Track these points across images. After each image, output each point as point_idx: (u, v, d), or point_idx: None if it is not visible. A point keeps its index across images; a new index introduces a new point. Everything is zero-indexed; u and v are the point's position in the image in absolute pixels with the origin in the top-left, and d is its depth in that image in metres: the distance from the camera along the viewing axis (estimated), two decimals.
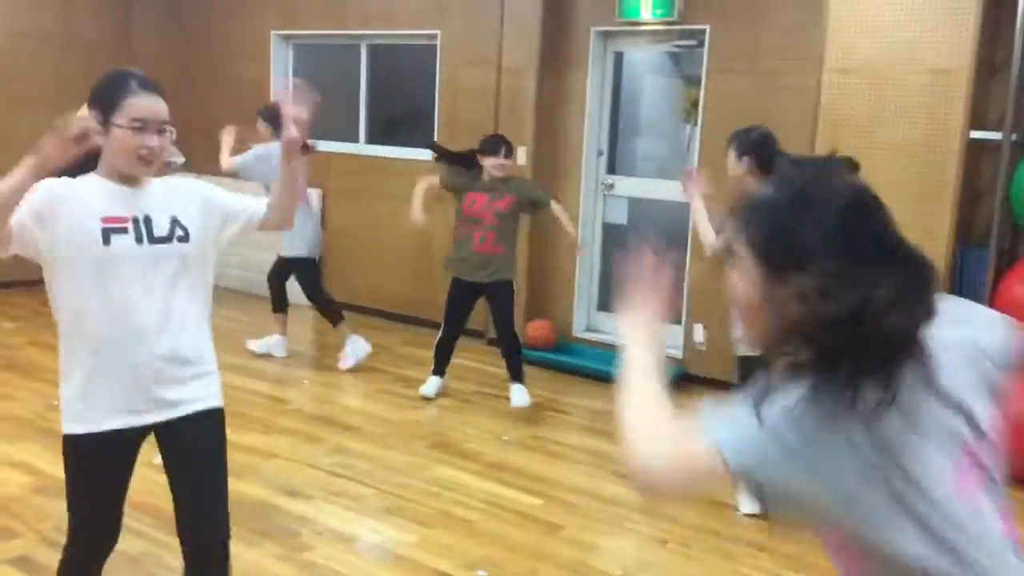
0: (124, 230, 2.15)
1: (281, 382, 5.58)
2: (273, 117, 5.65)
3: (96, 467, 2.26)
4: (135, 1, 7.96)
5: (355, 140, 7.32)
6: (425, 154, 6.80)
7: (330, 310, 5.84)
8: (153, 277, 2.18)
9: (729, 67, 5.44)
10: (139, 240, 2.17)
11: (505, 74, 6.25)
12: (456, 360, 5.35)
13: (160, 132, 2.17)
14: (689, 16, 5.55)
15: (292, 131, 2.32)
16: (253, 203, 2.44)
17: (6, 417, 4.63)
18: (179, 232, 2.23)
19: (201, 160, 5.79)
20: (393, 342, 6.42)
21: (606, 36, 6.05)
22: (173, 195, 2.28)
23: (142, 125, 2.13)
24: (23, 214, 2.02)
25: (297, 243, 5.63)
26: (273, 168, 5.49)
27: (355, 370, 5.72)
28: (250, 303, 6.91)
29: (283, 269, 5.86)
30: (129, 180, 2.20)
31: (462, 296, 5.11)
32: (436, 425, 4.90)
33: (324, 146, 6.95)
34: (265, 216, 2.44)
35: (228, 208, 2.38)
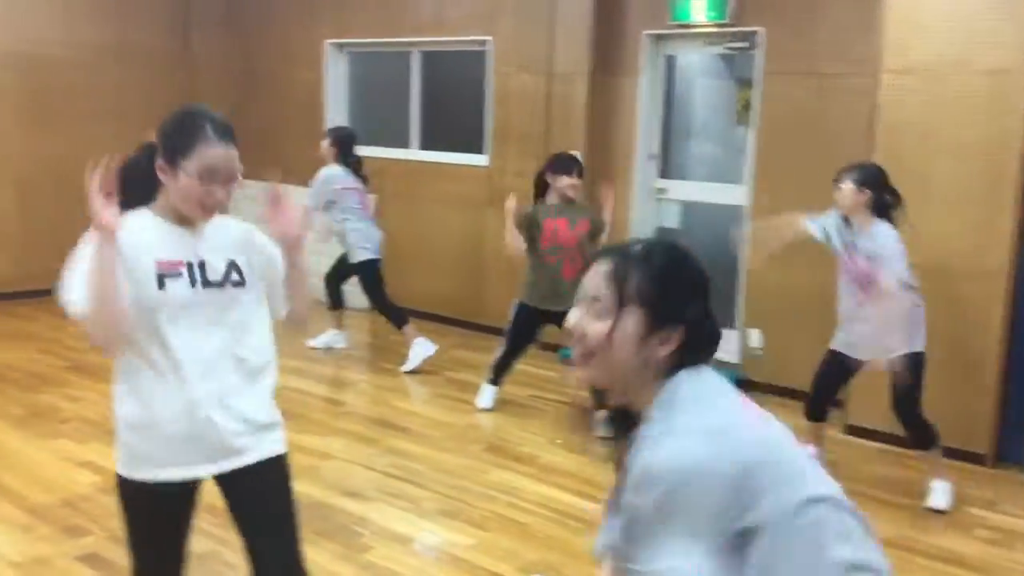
0: (179, 274, 2.09)
1: (338, 384, 5.66)
2: (341, 140, 5.87)
3: (152, 515, 2.22)
4: (193, 11, 8.13)
5: (407, 146, 7.40)
6: (476, 159, 6.88)
7: (393, 313, 5.96)
8: (207, 321, 2.12)
9: (784, 69, 5.40)
10: (193, 284, 2.10)
11: (556, 79, 6.27)
12: None
13: (227, 183, 2.09)
14: (742, 18, 5.53)
15: (289, 241, 2.21)
16: (278, 302, 2.31)
17: (74, 418, 4.76)
18: (234, 277, 2.17)
19: (253, 166, 5.92)
20: (445, 345, 6.46)
21: (658, 39, 6.04)
22: (228, 238, 2.20)
23: (211, 176, 2.05)
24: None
25: (363, 246, 5.88)
26: (332, 191, 5.74)
27: (414, 373, 5.80)
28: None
29: (342, 270, 6.11)
30: (186, 221, 2.13)
31: (534, 324, 5.08)
32: (490, 429, 4.93)
33: (377, 152, 7.06)
34: (283, 319, 2.34)
35: (269, 284, 2.28)
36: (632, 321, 1.41)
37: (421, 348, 5.87)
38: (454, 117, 7.43)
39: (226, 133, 2.08)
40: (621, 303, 1.41)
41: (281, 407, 2.33)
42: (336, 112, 7.67)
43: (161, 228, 2.11)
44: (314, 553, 3.36)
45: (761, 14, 5.46)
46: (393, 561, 3.40)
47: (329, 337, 6.22)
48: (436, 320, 7.03)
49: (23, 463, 4.15)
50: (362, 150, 6.32)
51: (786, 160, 5.41)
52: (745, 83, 5.85)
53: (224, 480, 2.21)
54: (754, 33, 5.52)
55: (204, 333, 2.11)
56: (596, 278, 1.45)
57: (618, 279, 1.42)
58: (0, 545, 3.36)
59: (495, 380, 5.19)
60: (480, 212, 6.82)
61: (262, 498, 2.24)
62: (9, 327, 6.56)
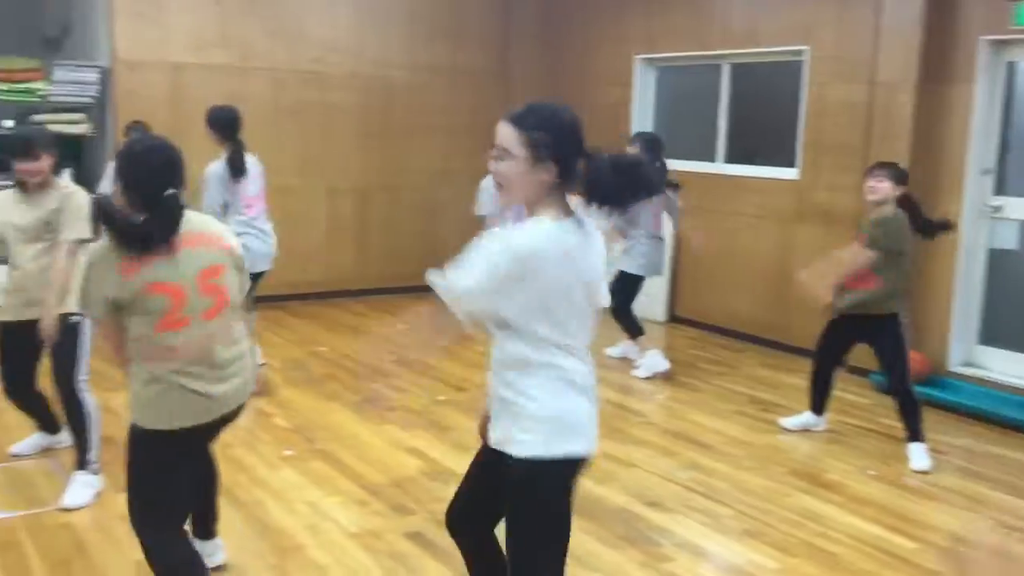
0: None
1: (632, 393, 5.74)
2: (651, 142, 5.93)
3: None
4: (513, 36, 8.62)
5: (712, 159, 7.35)
6: (785, 172, 6.68)
7: (632, 325, 6.04)
8: None
9: None
10: None
11: (879, 88, 5.95)
12: None
13: (499, 157, 2.15)
14: None
15: None
16: None
17: (399, 407, 5.22)
18: None
19: None
20: (745, 363, 6.35)
21: (998, 45, 5.55)
22: None
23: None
24: None
25: (638, 261, 5.93)
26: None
27: (651, 379, 5.91)
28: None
29: (622, 293, 5.95)
30: None
31: (840, 339, 4.86)
32: (794, 452, 4.78)
33: (681, 164, 7.07)
34: None
35: None
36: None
37: (656, 360, 5.95)
38: (763, 129, 7.27)
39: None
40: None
41: None
42: (642, 125, 7.79)
43: None
44: (616, 556, 3.46)
45: None
46: (694, 574, 3.40)
47: (651, 364, 6.05)
48: (737, 337, 6.92)
49: (359, 445, 4.61)
50: (668, 163, 6.39)
51: None
52: None
53: None
54: None
55: None
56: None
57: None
58: (340, 517, 3.76)
59: (816, 409, 5.02)
60: (788, 227, 6.62)
61: None
62: (347, 322, 7.31)
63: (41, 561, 3.29)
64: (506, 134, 2.12)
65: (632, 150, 6.08)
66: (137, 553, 3.20)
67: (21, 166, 3.64)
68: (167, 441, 2.60)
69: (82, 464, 3.84)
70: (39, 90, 6.88)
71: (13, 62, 6.88)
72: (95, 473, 3.87)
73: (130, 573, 3.23)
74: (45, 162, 3.68)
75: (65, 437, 4.15)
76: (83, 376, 3.83)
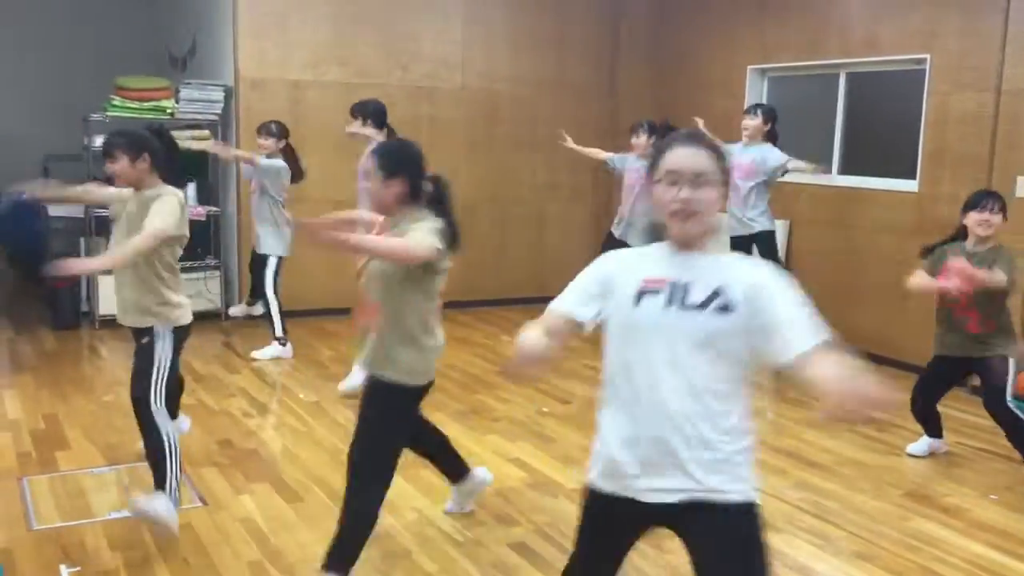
0: (658, 291, 2.05)
1: None
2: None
3: (595, 525, 2.20)
4: (621, 46, 8.61)
5: (827, 171, 7.16)
6: (904, 184, 6.45)
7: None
8: (676, 346, 2.02)
9: None
10: (668, 303, 2.03)
11: (1005, 97, 5.69)
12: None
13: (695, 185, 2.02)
14: None
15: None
16: (796, 340, 1.94)
17: (503, 418, 5.26)
18: (719, 302, 2.01)
19: None
20: None
21: None
22: (725, 270, 2.07)
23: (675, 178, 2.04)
24: None
25: None
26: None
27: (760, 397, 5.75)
28: None
29: None
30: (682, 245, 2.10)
31: (944, 373, 4.73)
32: (912, 474, 4.60)
33: (794, 177, 6.93)
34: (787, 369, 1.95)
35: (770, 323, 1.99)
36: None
37: None
38: (880, 140, 7.05)
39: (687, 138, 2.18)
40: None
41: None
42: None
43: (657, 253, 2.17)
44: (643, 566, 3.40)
45: None
46: None
47: None
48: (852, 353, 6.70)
49: (464, 454, 4.62)
50: None
51: None
52: None
53: (679, 515, 2.10)
54: None
55: (672, 356, 2.07)
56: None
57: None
58: (445, 525, 3.82)
59: (931, 433, 4.84)
60: (906, 240, 6.38)
61: (718, 547, 2.08)
62: (452, 333, 7.36)
63: (161, 558, 3.45)
64: (701, 159, 2.05)
65: (751, 122, 6.25)
66: (252, 555, 3.32)
67: (106, 168, 3.71)
68: (418, 396, 3.20)
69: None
70: (167, 108, 7.24)
71: (143, 81, 7.27)
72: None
73: (244, 574, 3.36)
74: (122, 163, 3.59)
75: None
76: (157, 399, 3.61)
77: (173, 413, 4.07)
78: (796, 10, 7.19)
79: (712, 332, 1.99)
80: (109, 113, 7.08)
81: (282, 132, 6.36)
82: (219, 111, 7.39)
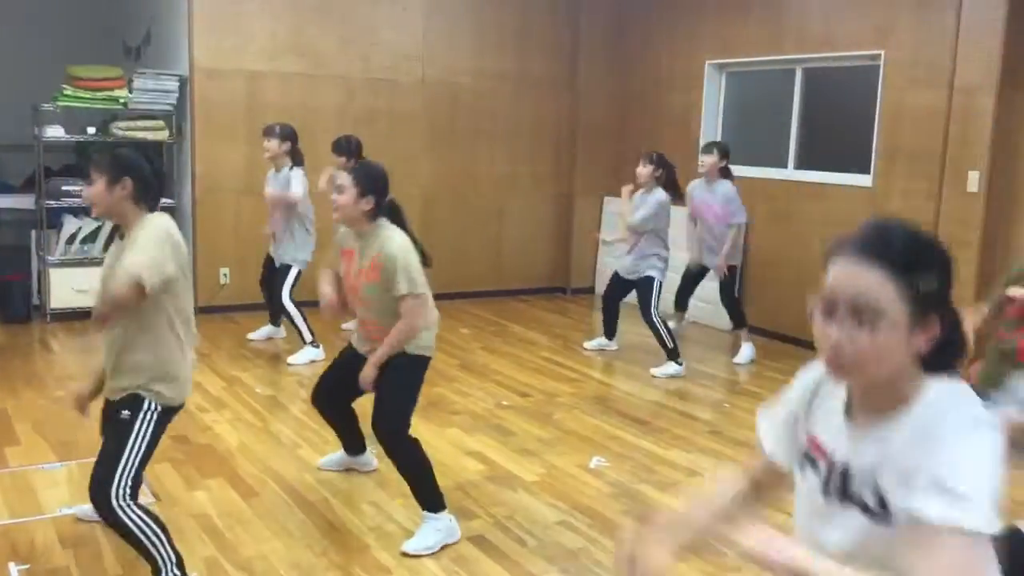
0: (817, 464, 1.51)
1: (696, 401, 5.67)
2: (662, 162, 6.09)
3: None
4: (581, 40, 8.61)
5: (783, 165, 7.24)
6: (858, 179, 6.55)
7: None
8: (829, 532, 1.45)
9: None
10: (826, 488, 1.48)
11: (958, 94, 5.79)
12: None
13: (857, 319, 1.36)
14: None
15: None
16: None
17: (462, 411, 5.25)
18: (872, 502, 1.38)
19: (626, 183, 6.15)
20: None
21: None
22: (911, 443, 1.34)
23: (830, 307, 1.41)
24: None
25: (659, 266, 6.20)
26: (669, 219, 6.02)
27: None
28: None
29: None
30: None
31: None
32: None
33: (750, 171, 7.00)
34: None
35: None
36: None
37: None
38: (835, 135, 7.14)
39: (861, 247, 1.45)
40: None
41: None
42: (710, 131, 7.72)
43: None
44: (680, 567, 3.42)
45: None
46: None
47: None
48: (802, 345, 6.78)
49: (425, 448, 4.65)
50: (735, 169, 6.36)
51: None
52: None
53: None
54: None
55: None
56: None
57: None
58: (403, 518, 3.79)
59: None
60: None
61: None
62: None
63: (113, 555, 3.39)
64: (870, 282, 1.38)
65: (707, 159, 6.16)
66: (206, 550, 3.27)
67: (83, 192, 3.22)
68: (428, 363, 3.76)
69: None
70: (120, 98, 7.11)
71: (95, 71, 7.13)
72: None
73: (199, 569, 3.31)
74: (98, 187, 2.96)
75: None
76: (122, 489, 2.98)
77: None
78: (755, 6, 7.25)
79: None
80: (60, 103, 6.93)
81: (287, 134, 6.13)
82: (174, 101, 7.27)
